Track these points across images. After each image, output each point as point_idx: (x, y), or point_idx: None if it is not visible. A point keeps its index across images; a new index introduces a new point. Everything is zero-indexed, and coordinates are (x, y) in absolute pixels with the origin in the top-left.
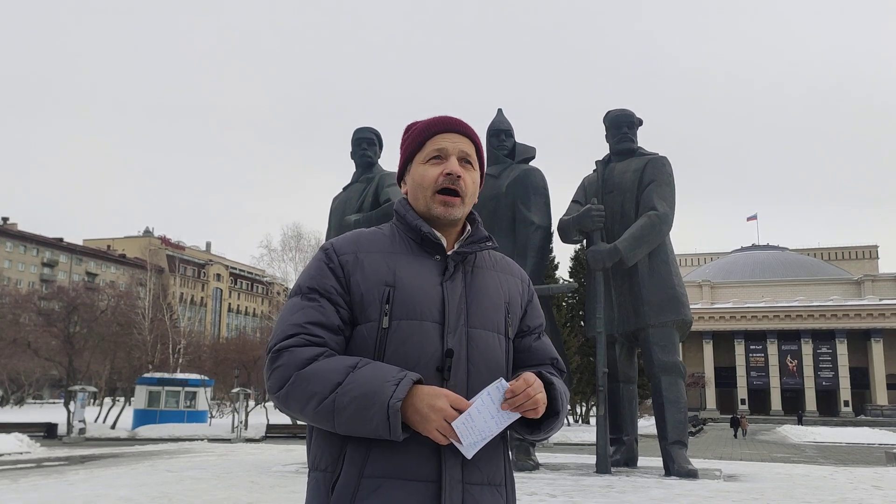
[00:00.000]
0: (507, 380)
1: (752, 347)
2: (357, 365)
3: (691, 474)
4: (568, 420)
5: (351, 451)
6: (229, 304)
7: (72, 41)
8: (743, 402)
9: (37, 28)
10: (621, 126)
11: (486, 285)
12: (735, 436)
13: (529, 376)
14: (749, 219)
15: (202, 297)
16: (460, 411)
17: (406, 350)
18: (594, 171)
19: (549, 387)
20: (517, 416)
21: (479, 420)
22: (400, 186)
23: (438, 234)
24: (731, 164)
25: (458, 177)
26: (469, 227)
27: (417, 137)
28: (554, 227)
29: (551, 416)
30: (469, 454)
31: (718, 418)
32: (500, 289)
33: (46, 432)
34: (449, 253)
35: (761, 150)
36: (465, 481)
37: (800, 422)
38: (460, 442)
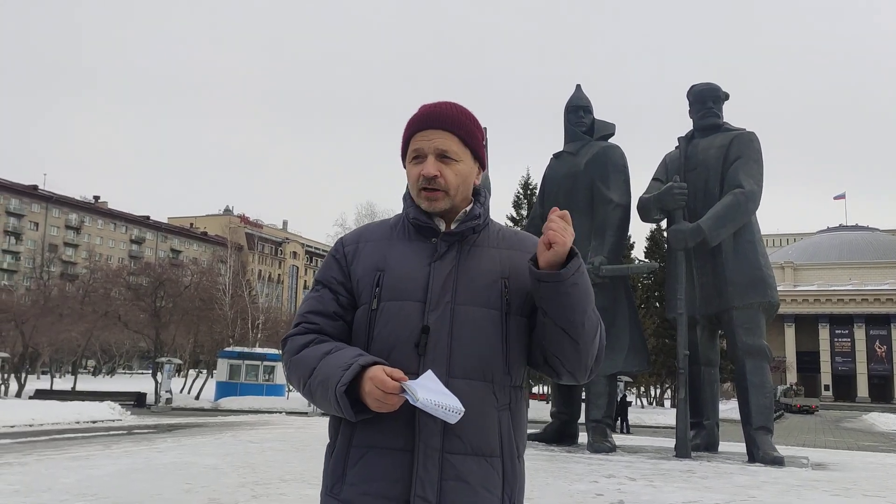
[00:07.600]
0: (503, 353)
1: (837, 332)
2: (330, 351)
3: (777, 461)
4: (642, 402)
5: (344, 424)
6: (305, 281)
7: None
8: (827, 388)
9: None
10: (706, 100)
11: (479, 262)
12: None
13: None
14: (836, 198)
15: (279, 275)
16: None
17: (389, 329)
18: (676, 147)
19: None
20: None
21: (426, 391)
22: None
23: (428, 219)
24: (816, 140)
25: (434, 176)
26: (468, 209)
27: (403, 139)
28: (633, 206)
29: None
30: (453, 420)
31: (826, 405)
32: (499, 265)
33: (136, 401)
34: (439, 235)
35: (850, 123)
36: (444, 450)
37: None
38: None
